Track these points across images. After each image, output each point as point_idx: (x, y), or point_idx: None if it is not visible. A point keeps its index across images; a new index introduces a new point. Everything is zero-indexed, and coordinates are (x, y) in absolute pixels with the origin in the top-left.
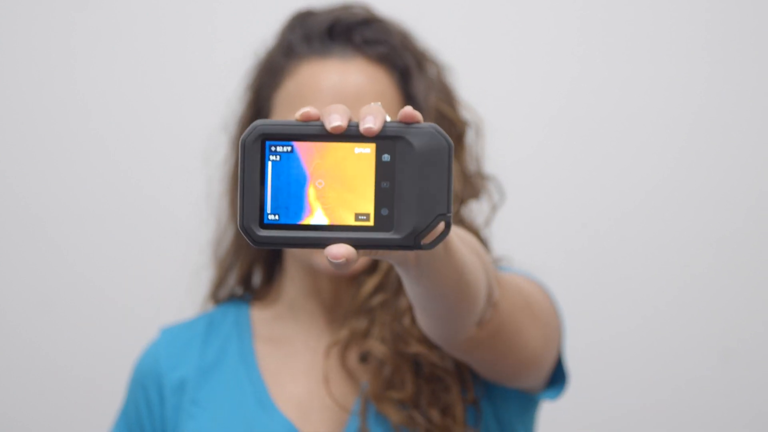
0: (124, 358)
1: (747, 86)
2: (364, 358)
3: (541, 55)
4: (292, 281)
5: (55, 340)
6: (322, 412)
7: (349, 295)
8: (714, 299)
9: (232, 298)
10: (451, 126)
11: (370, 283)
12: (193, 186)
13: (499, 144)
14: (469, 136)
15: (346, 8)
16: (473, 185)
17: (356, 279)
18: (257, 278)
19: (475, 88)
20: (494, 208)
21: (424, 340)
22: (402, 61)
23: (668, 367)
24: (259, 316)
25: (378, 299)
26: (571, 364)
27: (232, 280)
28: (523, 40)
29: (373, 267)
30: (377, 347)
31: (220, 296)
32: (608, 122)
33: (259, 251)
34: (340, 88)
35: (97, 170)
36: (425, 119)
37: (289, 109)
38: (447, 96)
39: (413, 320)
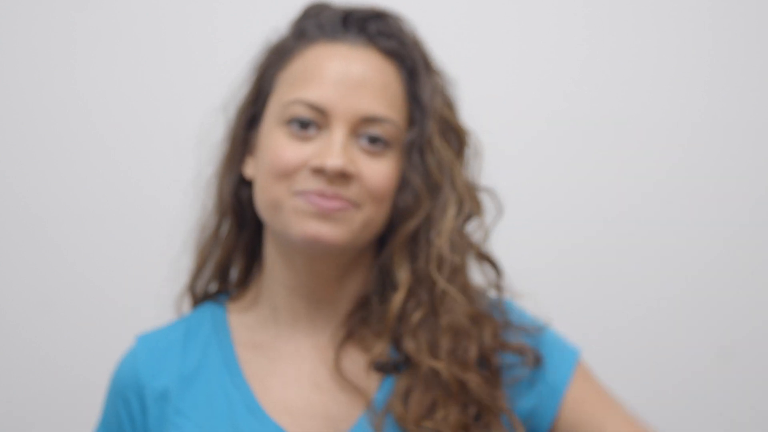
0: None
1: (749, 87)
2: (377, 365)
3: (540, 57)
4: (273, 278)
5: (55, 340)
6: (315, 419)
7: (334, 292)
8: (713, 299)
9: (206, 301)
10: (455, 134)
11: (397, 298)
12: (189, 185)
13: (498, 143)
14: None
15: (362, 3)
16: (475, 199)
17: (341, 276)
18: (234, 274)
19: (473, 89)
20: (493, 222)
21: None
22: (411, 59)
23: (667, 367)
24: (238, 320)
25: (417, 316)
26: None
27: (210, 270)
28: (522, 40)
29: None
30: (426, 361)
31: (197, 288)
32: (607, 124)
33: (242, 239)
34: (345, 73)
35: (95, 168)
36: (429, 122)
37: (290, 88)
38: (450, 103)
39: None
